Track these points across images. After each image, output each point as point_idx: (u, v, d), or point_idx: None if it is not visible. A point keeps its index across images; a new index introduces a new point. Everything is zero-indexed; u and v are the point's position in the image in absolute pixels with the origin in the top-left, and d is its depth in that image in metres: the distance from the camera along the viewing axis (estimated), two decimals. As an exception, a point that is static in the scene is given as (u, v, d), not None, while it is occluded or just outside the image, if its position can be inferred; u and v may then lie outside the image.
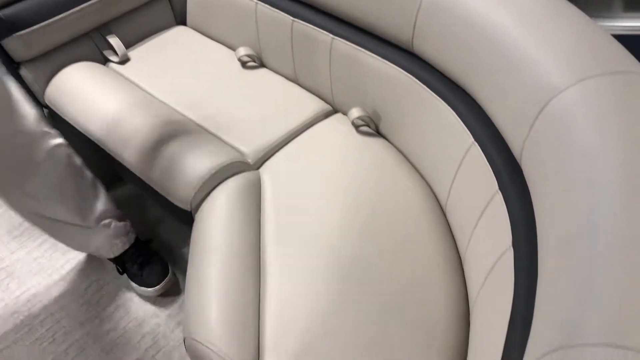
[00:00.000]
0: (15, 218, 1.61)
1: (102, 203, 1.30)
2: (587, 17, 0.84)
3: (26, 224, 1.60)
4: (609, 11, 1.59)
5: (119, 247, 1.36)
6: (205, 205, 1.07)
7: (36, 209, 1.19)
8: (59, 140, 1.16)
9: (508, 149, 0.86)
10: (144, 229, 1.57)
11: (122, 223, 1.35)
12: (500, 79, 0.84)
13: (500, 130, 0.88)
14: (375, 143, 1.20)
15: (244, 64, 1.42)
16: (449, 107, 1.00)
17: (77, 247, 1.37)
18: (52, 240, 1.55)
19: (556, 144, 0.70)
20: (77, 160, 1.22)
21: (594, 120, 0.68)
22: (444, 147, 1.03)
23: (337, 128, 1.24)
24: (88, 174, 1.26)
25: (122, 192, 1.63)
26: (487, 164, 0.90)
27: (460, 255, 1.01)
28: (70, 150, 1.19)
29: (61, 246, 1.54)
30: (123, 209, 1.38)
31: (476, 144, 0.93)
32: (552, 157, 0.70)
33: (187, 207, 1.09)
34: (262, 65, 1.43)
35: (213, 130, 1.24)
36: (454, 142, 0.99)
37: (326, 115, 1.29)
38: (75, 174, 1.22)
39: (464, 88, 0.98)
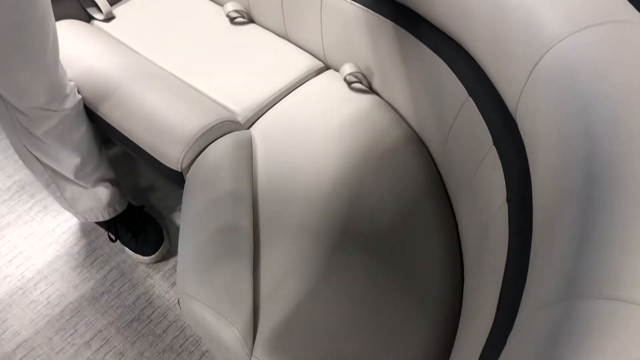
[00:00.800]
0: (3, 182, 1.59)
1: (103, 166, 1.29)
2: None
3: (15, 188, 1.58)
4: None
5: (110, 211, 1.35)
6: (196, 165, 1.06)
7: (41, 150, 1.18)
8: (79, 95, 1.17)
9: (503, 104, 0.84)
10: (135, 193, 1.56)
11: (116, 188, 1.33)
12: (495, 31, 0.81)
13: (496, 85, 0.86)
14: (368, 100, 1.17)
15: (232, 20, 1.38)
16: (444, 62, 0.98)
17: (68, 206, 1.35)
18: (42, 203, 1.54)
19: (553, 96, 0.69)
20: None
21: (591, 71, 0.67)
22: (438, 103, 1.02)
23: (329, 85, 1.21)
24: (95, 134, 1.25)
25: (111, 154, 1.61)
26: (482, 118, 0.88)
27: (455, 213, 1.01)
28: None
29: (52, 209, 1.52)
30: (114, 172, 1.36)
31: (470, 98, 0.91)
32: (548, 109, 0.69)
33: (177, 168, 1.07)
34: (251, 21, 1.39)
35: (202, 88, 1.21)
36: (449, 97, 0.98)
37: (318, 72, 1.26)
38: (88, 129, 1.22)
39: (458, 42, 0.95)
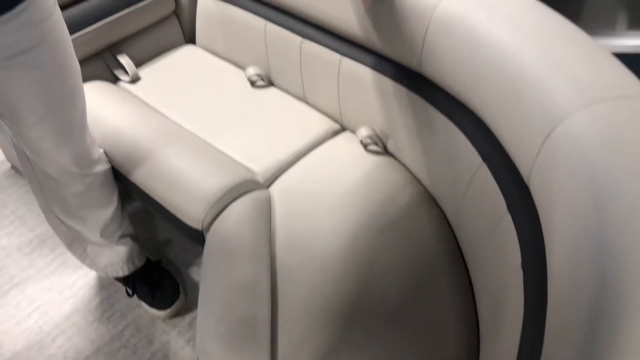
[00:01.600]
0: (25, 235, 1.63)
1: (125, 223, 1.33)
2: (591, 39, 0.85)
3: (36, 241, 1.61)
4: (612, 29, 1.60)
5: (130, 266, 1.37)
6: (217, 225, 1.09)
7: (66, 212, 1.21)
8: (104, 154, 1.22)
9: (516, 170, 0.87)
10: (152, 247, 1.59)
11: (136, 243, 1.37)
12: (507, 101, 0.85)
13: (508, 151, 0.89)
14: (383, 162, 1.21)
15: (252, 83, 1.44)
16: (457, 127, 1.01)
17: (90, 263, 1.38)
18: (62, 257, 1.57)
19: (565, 167, 0.71)
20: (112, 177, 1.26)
21: (602, 145, 0.69)
22: (453, 167, 1.05)
23: (346, 146, 1.26)
24: (117, 192, 1.29)
25: (130, 208, 1.65)
26: (496, 184, 0.91)
27: (471, 275, 1.02)
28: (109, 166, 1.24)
29: (71, 263, 1.55)
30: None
31: (484, 164, 0.94)
32: (561, 182, 0.71)
33: (198, 226, 1.10)
34: (270, 84, 1.45)
35: (224, 148, 1.26)
36: (463, 162, 1.01)
37: (334, 133, 1.31)
38: (114, 191, 1.26)
39: (471, 109, 0.99)
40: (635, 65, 0.82)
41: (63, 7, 1.19)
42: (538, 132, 0.77)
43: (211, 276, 1.00)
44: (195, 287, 1.48)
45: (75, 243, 1.33)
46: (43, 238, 1.63)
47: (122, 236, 1.34)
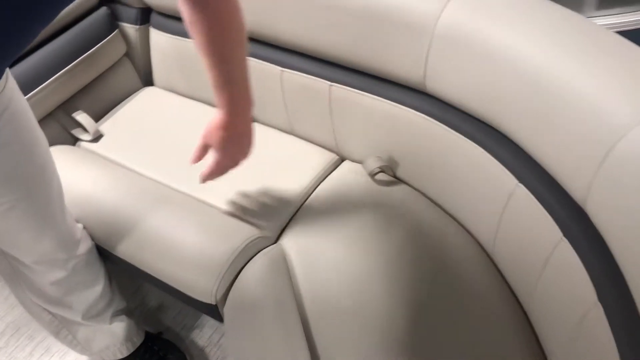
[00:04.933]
0: (-5, 326, 1.44)
1: (116, 298, 1.18)
2: (622, 38, 0.78)
3: (9, 331, 1.43)
4: (580, 9, 1.58)
5: (129, 346, 1.22)
6: (233, 295, 0.96)
7: (49, 301, 1.07)
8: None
9: (563, 190, 0.80)
10: (145, 315, 1.43)
11: (131, 319, 1.22)
12: (544, 121, 0.77)
13: (548, 170, 0.81)
14: (397, 191, 1.12)
15: (230, 121, 1.31)
16: (479, 147, 0.93)
17: (82, 349, 1.22)
18: (44, 345, 1.40)
19: (636, 183, 0.64)
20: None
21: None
22: (481, 190, 0.97)
23: (351, 179, 1.15)
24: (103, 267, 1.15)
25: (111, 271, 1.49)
26: (542, 207, 0.83)
27: (524, 308, 0.94)
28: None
29: (56, 349, 1.38)
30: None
31: (522, 185, 0.87)
32: (635, 198, 0.64)
33: (211, 301, 0.97)
34: (251, 119, 1.33)
35: (214, 202, 1.13)
36: (492, 185, 0.93)
37: (335, 164, 1.20)
38: (100, 269, 1.12)
39: (492, 125, 0.91)
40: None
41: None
42: (593, 151, 0.70)
43: (242, 356, 0.89)
44: (201, 353, 1.34)
45: (63, 330, 1.17)
46: (17, 326, 1.44)
47: (115, 314, 1.19)
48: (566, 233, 0.79)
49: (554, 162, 0.79)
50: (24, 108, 0.84)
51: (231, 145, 0.92)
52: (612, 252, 0.70)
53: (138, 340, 1.25)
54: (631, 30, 1.58)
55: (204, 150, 0.96)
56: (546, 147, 0.79)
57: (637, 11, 1.59)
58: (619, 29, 1.59)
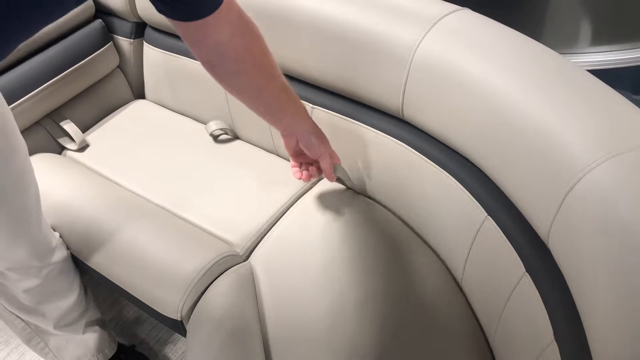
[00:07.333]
0: (-29, 329, 1.44)
1: (91, 308, 1.18)
2: (591, 76, 0.78)
3: (-16, 337, 1.43)
4: (574, 47, 1.58)
5: (100, 357, 1.22)
6: (198, 313, 0.96)
7: (22, 309, 1.06)
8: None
9: (528, 224, 0.79)
10: (120, 327, 1.43)
11: (104, 330, 1.21)
12: (509, 151, 0.77)
13: (516, 205, 0.81)
14: (374, 211, 1.12)
15: (215, 138, 1.32)
16: (452, 178, 0.93)
17: (52, 358, 1.22)
18: (19, 351, 1.39)
19: (592, 223, 0.63)
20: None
21: (632, 198, 0.62)
22: (452, 220, 0.96)
23: (328, 198, 1.15)
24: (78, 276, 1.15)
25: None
26: (508, 241, 0.83)
27: (489, 340, 0.93)
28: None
29: (30, 357, 1.38)
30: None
31: (490, 218, 0.86)
32: (591, 242, 0.63)
33: (176, 317, 0.97)
34: (235, 137, 1.34)
35: (192, 217, 1.13)
36: (463, 215, 0.92)
37: (312, 184, 1.20)
38: (75, 277, 1.12)
39: (466, 157, 0.91)
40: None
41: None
42: (555, 187, 0.69)
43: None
44: (174, 366, 1.34)
45: (35, 337, 1.16)
46: (-8, 331, 1.44)
47: (89, 324, 1.19)
48: (529, 268, 0.78)
49: (520, 196, 0.78)
50: (4, 113, 0.84)
51: (319, 141, 0.99)
52: (571, 292, 0.69)
53: (110, 352, 1.25)
54: (625, 68, 1.58)
55: (299, 166, 1.06)
56: (513, 180, 0.79)
57: (632, 49, 1.59)
58: (612, 66, 1.59)
